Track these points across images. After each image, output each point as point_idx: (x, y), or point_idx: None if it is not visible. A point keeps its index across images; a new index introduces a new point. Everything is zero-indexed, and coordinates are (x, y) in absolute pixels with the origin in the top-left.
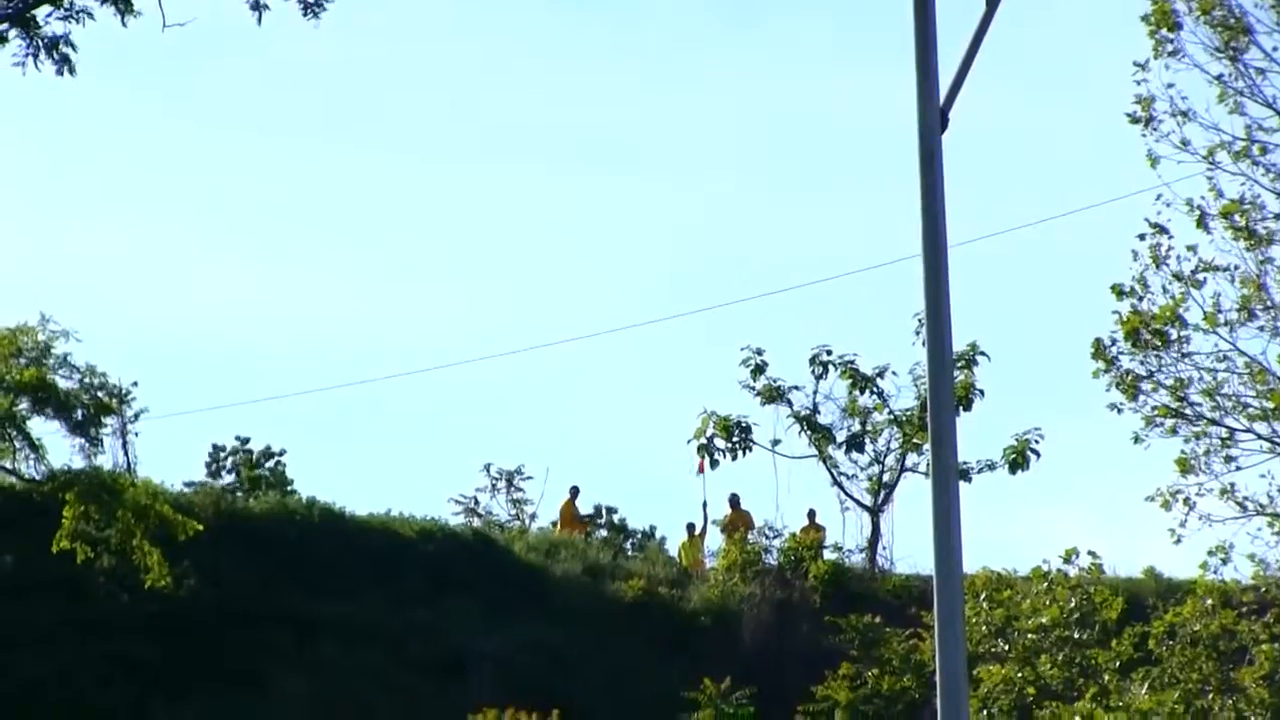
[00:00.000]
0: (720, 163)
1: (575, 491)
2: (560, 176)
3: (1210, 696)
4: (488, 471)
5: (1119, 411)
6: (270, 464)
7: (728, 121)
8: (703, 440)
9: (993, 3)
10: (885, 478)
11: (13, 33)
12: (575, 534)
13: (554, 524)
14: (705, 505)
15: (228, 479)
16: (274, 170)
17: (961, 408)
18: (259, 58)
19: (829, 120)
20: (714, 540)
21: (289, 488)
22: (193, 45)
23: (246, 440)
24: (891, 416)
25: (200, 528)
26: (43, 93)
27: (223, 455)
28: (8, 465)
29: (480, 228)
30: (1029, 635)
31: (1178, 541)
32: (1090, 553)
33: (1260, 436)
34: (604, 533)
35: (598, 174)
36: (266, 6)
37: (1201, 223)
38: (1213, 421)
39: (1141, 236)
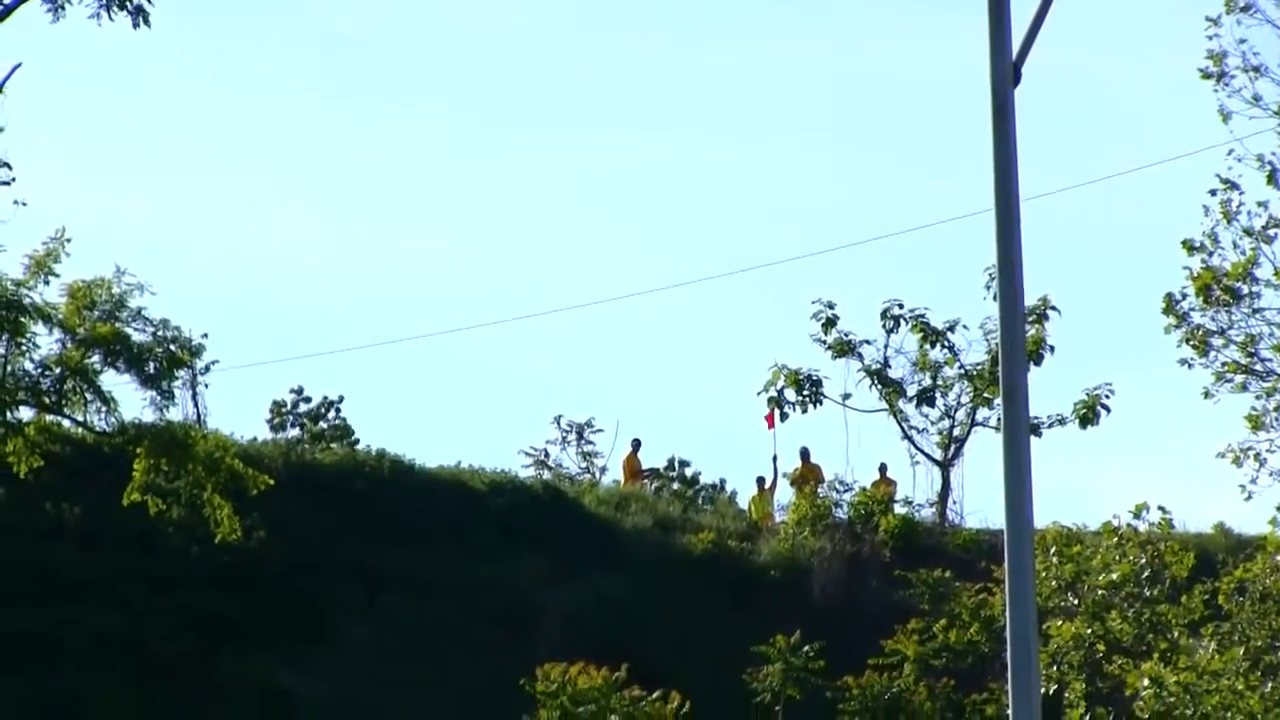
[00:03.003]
0: (794, 118)
1: (637, 444)
2: (633, 133)
3: None
4: (558, 424)
5: (1189, 367)
6: (331, 415)
7: (803, 77)
8: (772, 393)
9: None
10: (956, 432)
11: None
12: (637, 486)
13: (616, 481)
14: (775, 459)
15: (293, 433)
16: (342, 125)
17: (1032, 362)
18: (335, 12)
19: (902, 74)
20: (784, 494)
21: (352, 438)
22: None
23: (301, 390)
24: (962, 371)
25: (270, 482)
26: (114, 44)
27: (284, 410)
28: (79, 418)
29: (554, 182)
30: (1099, 591)
31: (1248, 498)
32: (1160, 508)
33: None
34: (675, 485)
35: (668, 130)
36: None
37: (1272, 179)
38: None
39: (1213, 192)
